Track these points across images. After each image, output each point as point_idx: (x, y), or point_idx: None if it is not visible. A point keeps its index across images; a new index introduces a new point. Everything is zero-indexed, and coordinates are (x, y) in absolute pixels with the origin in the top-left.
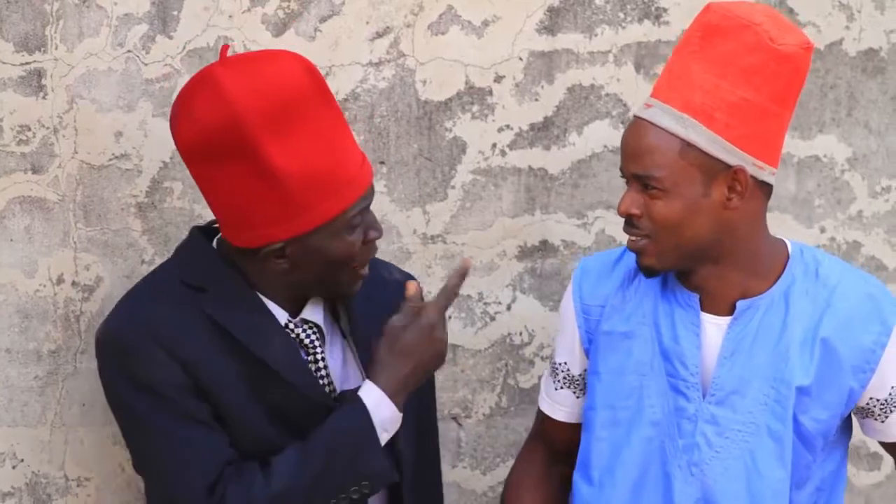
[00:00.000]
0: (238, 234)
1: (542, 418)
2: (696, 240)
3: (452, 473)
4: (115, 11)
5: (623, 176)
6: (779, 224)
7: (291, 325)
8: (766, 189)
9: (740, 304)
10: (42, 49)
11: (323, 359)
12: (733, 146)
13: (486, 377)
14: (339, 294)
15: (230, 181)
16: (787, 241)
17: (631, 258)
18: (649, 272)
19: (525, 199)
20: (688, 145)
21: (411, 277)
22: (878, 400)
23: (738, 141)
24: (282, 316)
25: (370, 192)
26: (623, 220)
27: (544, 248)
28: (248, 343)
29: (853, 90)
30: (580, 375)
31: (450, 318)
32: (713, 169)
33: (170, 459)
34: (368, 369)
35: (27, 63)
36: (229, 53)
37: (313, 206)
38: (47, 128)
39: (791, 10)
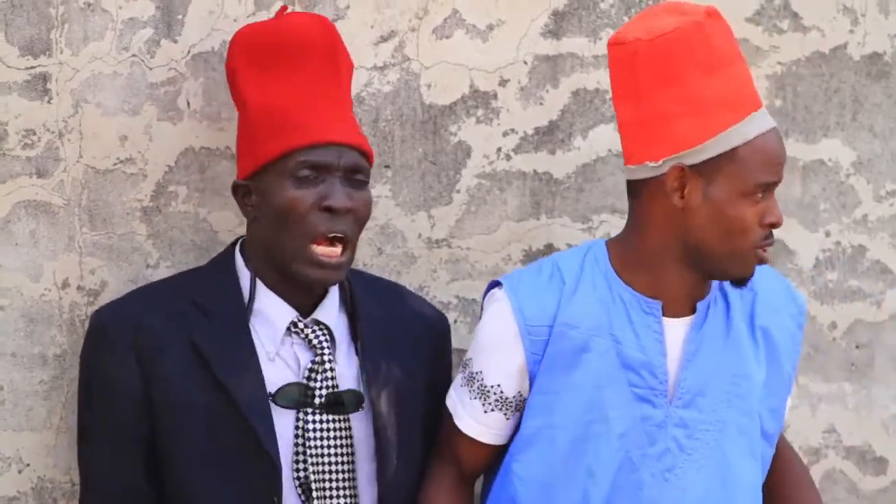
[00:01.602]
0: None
1: (460, 440)
2: None
3: None
4: (120, 15)
5: (766, 189)
6: (784, 228)
7: (301, 325)
8: None
9: (700, 305)
10: (47, 53)
11: (330, 360)
12: None
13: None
14: (297, 273)
15: (238, 117)
16: None
17: (567, 272)
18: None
19: (530, 203)
20: None
21: (444, 317)
22: None
23: None
24: (289, 315)
25: (332, 152)
26: (761, 238)
27: (549, 252)
28: (222, 377)
29: (857, 94)
30: (513, 398)
31: (455, 322)
32: None
33: (89, 472)
34: None
35: (32, 67)
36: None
37: (263, 142)
38: (52, 132)
39: (795, 14)
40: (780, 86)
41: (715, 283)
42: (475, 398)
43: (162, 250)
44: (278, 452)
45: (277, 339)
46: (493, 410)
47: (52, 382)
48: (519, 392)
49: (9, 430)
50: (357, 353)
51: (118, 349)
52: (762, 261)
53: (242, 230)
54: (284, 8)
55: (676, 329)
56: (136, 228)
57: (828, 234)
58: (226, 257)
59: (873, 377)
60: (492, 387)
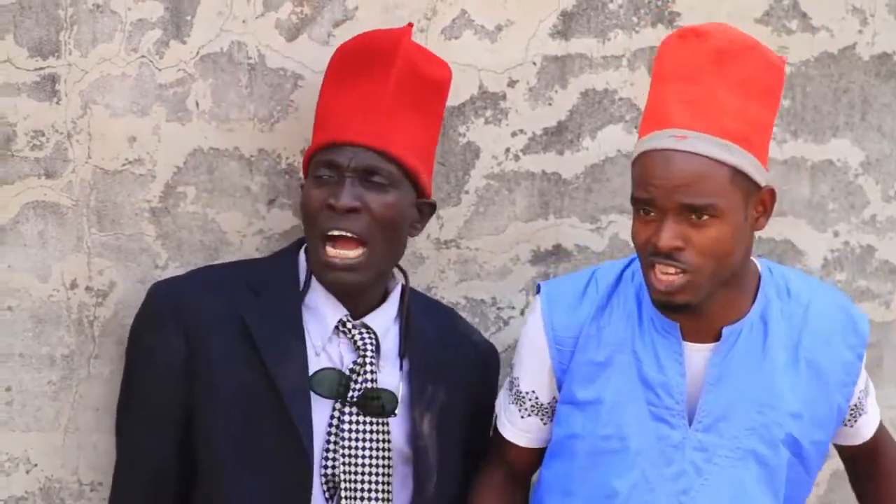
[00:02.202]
0: None
1: (503, 444)
2: (733, 266)
3: None
4: (129, 17)
5: (642, 210)
6: (793, 229)
7: (349, 326)
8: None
9: (726, 330)
10: (56, 54)
11: (372, 362)
12: (762, 167)
13: (500, 381)
14: (319, 279)
15: None
16: (755, 260)
17: (601, 283)
18: (680, 310)
19: (538, 203)
20: (736, 171)
21: (493, 347)
22: (848, 406)
23: (763, 160)
24: (339, 312)
25: (348, 153)
26: (648, 256)
27: (558, 252)
28: (267, 359)
29: (866, 94)
30: (549, 404)
31: None
32: (750, 191)
33: (123, 447)
34: None
35: (41, 68)
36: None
37: (312, 138)
38: (61, 133)
39: (804, 15)
40: (790, 86)
41: (757, 311)
42: (513, 403)
43: (170, 251)
44: (313, 446)
45: (325, 336)
46: (529, 416)
47: (61, 383)
48: (554, 398)
49: (17, 430)
50: (401, 369)
51: (166, 322)
52: (659, 283)
53: (250, 230)
54: (411, 25)
55: (701, 353)
56: (144, 229)
57: (836, 235)
58: (290, 249)
59: (882, 377)
60: (527, 393)
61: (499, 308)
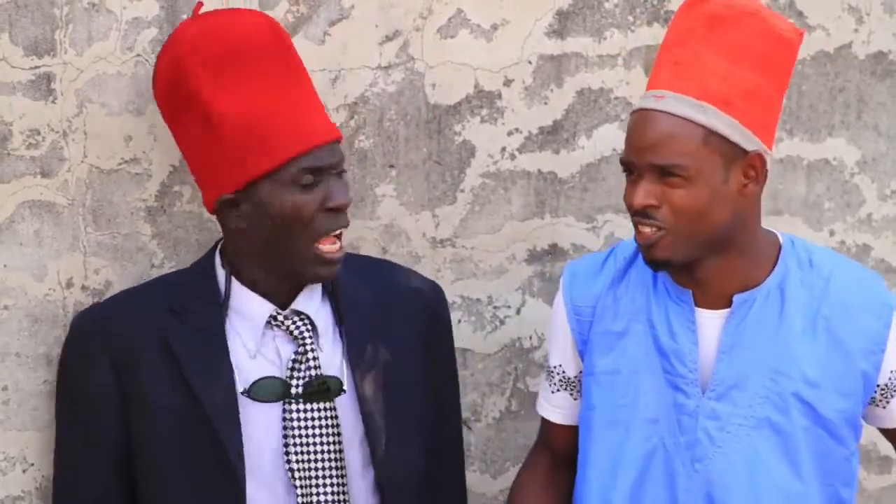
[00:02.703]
0: (204, 194)
1: (544, 424)
2: (714, 229)
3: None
4: (125, 15)
5: (627, 170)
6: (789, 227)
7: (281, 318)
8: (766, 176)
9: (737, 298)
10: (51, 53)
11: (313, 349)
12: (750, 132)
13: (496, 381)
14: (305, 274)
15: (188, 133)
16: (777, 233)
17: (620, 256)
18: (660, 265)
19: (534, 202)
20: (710, 133)
21: (435, 286)
22: (878, 385)
23: (753, 127)
24: (267, 309)
25: (327, 153)
26: (631, 214)
27: (554, 251)
28: (192, 380)
29: (862, 93)
30: (576, 377)
31: (459, 322)
32: (732, 155)
33: (62, 476)
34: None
35: (36, 67)
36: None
37: (252, 154)
38: (57, 132)
39: (800, 13)
40: None
41: (775, 280)
42: (546, 380)
43: (166, 250)
44: (243, 459)
45: (258, 335)
46: (559, 391)
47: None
48: (580, 371)
49: (13, 429)
50: (342, 338)
51: (92, 354)
52: (638, 237)
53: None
54: (200, 5)
55: (714, 320)
56: (140, 228)
57: (832, 234)
58: (206, 260)
59: None
60: (555, 367)
61: (495, 307)
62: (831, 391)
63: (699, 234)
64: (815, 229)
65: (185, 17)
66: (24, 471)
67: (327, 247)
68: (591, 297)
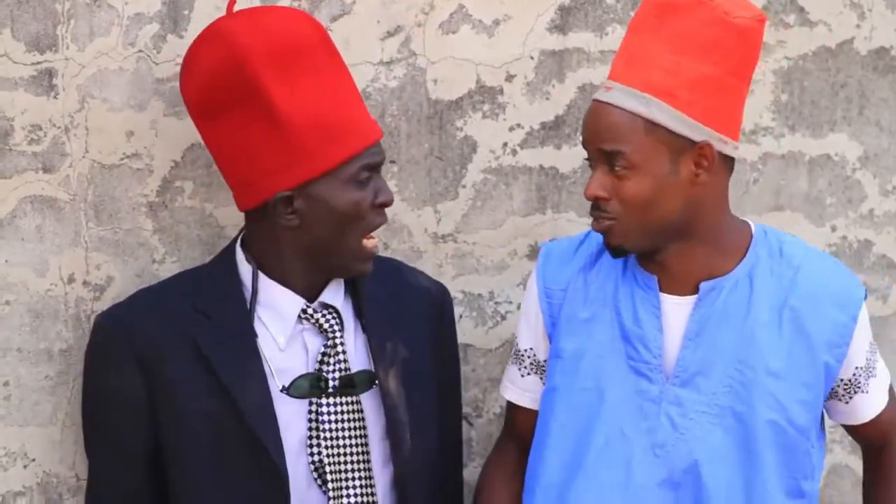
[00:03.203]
0: (249, 192)
1: (510, 409)
2: (664, 218)
3: (464, 472)
4: (126, 11)
5: (587, 159)
6: (790, 223)
7: (310, 311)
8: (729, 163)
9: (704, 285)
10: (53, 49)
11: (342, 343)
12: (697, 122)
13: (497, 376)
14: (349, 269)
15: (238, 131)
16: (750, 223)
17: (594, 241)
18: (617, 252)
19: (536, 198)
20: (653, 125)
21: (442, 287)
22: (842, 380)
23: (701, 116)
24: (297, 303)
25: (378, 150)
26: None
27: None
28: (226, 382)
29: (864, 89)
30: (545, 361)
31: (461, 317)
32: (679, 146)
33: (93, 472)
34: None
35: (38, 63)
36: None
37: (317, 152)
38: (58, 127)
39: (802, 9)
40: (787, 80)
41: (744, 269)
42: (513, 363)
43: (168, 245)
44: (286, 464)
45: (288, 329)
46: (528, 374)
47: (58, 378)
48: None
49: (14, 425)
50: (363, 331)
51: (120, 358)
52: (593, 225)
53: None
54: (233, 2)
55: (680, 307)
56: (142, 223)
57: (834, 229)
58: (227, 255)
59: None
60: (525, 350)
61: (496, 302)
62: (795, 382)
63: (649, 224)
64: (816, 225)
65: (186, 12)
66: (25, 466)
67: (371, 242)
68: (562, 281)
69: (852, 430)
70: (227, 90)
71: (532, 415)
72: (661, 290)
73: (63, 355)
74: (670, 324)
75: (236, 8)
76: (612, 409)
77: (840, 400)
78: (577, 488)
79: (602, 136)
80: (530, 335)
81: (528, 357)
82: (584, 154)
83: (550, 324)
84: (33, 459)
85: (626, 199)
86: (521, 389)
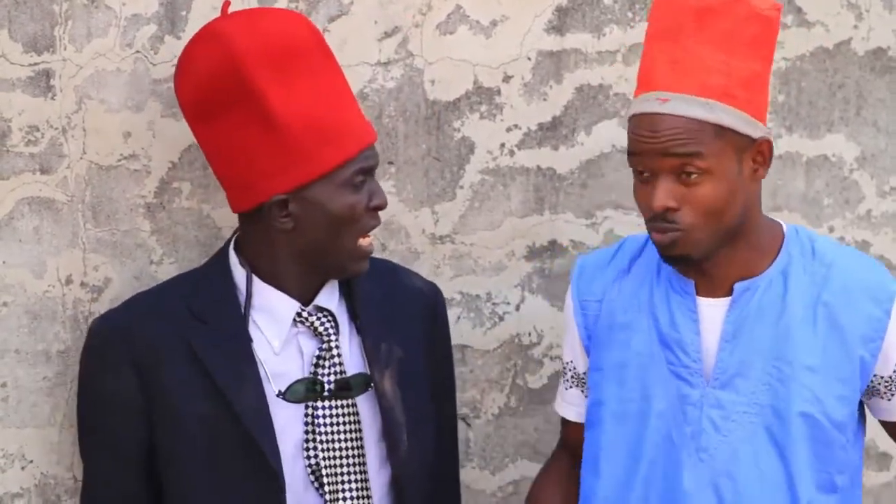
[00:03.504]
0: (244, 194)
1: (561, 422)
2: (732, 221)
3: (462, 474)
4: (124, 12)
5: (642, 172)
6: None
7: (305, 315)
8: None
9: (738, 286)
10: (50, 49)
11: (337, 346)
12: (754, 119)
13: (495, 377)
14: (345, 270)
15: (233, 133)
16: (781, 222)
17: (628, 250)
18: (679, 262)
19: (534, 198)
20: (721, 128)
21: (435, 287)
22: (882, 377)
23: (757, 112)
24: (292, 307)
25: (373, 154)
26: (646, 218)
27: (553, 248)
28: (222, 386)
29: (862, 89)
30: (585, 374)
31: (458, 318)
32: (742, 145)
33: (88, 475)
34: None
35: (35, 63)
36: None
37: (314, 155)
38: (56, 128)
39: (799, 10)
40: (785, 81)
41: (778, 268)
42: (562, 377)
43: (166, 247)
44: (283, 467)
45: (283, 333)
46: (571, 387)
47: (56, 379)
48: (588, 369)
49: (12, 426)
50: (358, 333)
51: (117, 362)
52: (656, 240)
53: None
54: (227, 3)
55: (716, 309)
56: (139, 225)
57: (831, 230)
58: (221, 258)
59: None
60: (567, 363)
61: (494, 303)
62: (831, 378)
63: (720, 228)
64: (814, 225)
65: (183, 13)
66: (22, 468)
67: (366, 241)
68: (597, 292)
69: (888, 426)
70: (223, 92)
71: (579, 428)
72: (697, 293)
73: (61, 356)
74: (706, 326)
75: (232, 9)
76: (660, 417)
77: (882, 397)
78: (634, 499)
79: (673, 145)
80: (570, 349)
81: (570, 370)
82: (582, 155)
83: (586, 337)
84: (31, 461)
85: (701, 206)
86: (567, 403)
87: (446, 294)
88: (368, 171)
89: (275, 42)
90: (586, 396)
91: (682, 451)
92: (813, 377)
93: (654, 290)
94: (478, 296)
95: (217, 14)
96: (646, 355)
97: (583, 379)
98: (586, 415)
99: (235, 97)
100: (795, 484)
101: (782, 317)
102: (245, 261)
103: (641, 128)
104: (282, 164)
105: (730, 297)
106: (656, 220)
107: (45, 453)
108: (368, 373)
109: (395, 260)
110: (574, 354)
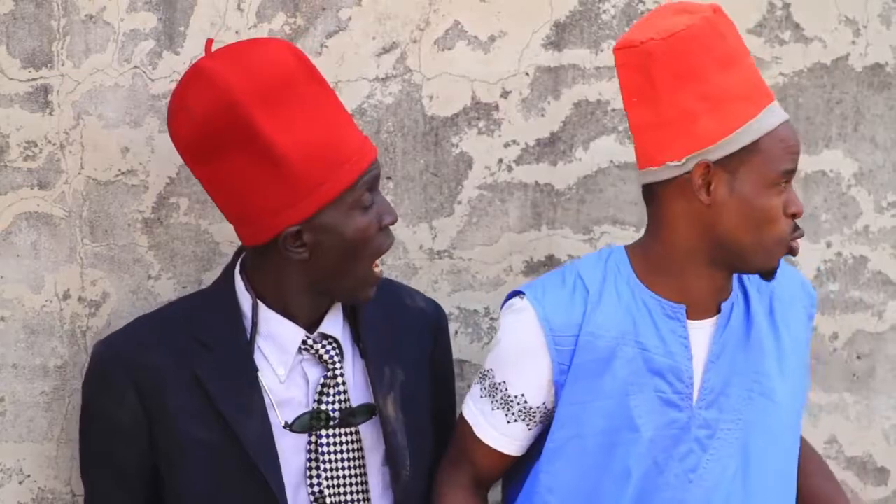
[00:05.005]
0: (254, 230)
1: (477, 448)
2: None
3: None
4: (122, 27)
5: (787, 177)
6: None
7: (310, 342)
8: None
9: (725, 306)
10: (49, 65)
11: (342, 374)
12: None
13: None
14: (355, 296)
15: (236, 172)
16: None
17: (589, 278)
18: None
19: (531, 214)
20: None
21: (437, 306)
22: None
23: None
24: (298, 335)
25: (376, 168)
26: (790, 227)
27: (551, 263)
28: (227, 415)
29: (859, 105)
30: (537, 408)
31: (456, 333)
32: None
33: (89, 498)
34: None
35: (34, 79)
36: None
37: (319, 183)
38: (54, 144)
39: (797, 25)
40: (782, 97)
41: (735, 282)
42: (498, 409)
43: (163, 262)
44: (286, 496)
45: (289, 361)
46: (516, 421)
47: (54, 394)
48: (543, 402)
49: (10, 441)
50: (361, 356)
51: (120, 388)
52: (792, 251)
53: None
54: (211, 41)
55: (701, 331)
56: (137, 240)
57: (829, 245)
58: (227, 282)
59: (874, 388)
60: (516, 397)
61: (492, 318)
62: (798, 378)
63: None
64: (812, 241)
65: (181, 29)
66: (20, 482)
67: (377, 269)
68: (573, 326)
69: None
70: (220, 133)
71: (507, 459)
72: (687, 316)
73: (58, 371)
74: (695, 349)
75: (231, 15)
76: (648, 444)
77: None
78: None
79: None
80: (525, 383)
81: (518, 404)
82: (580, 171)
83: (560, 371)
84: (29, 475)
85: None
86: (506, 436)
87: (444, 309)
88: (374, 185)
89: (264, 76)
90: (529, 430)
91: (669, 475)
92: (785, 384)
93: (634, 317)
94: (476, 311)
95: (215, 28)
96: (631, 384)
97: (532, 413)
98: (558, 447)
99: (233, 137)
100: (789, 477)
101: (752, 331)
102: (251, 286)
103: (792, 134)
104: (289, 196)
105: (713, 318)
106: (797, 227)
107: (42, 468)
108: (372, 401)
109: (394, 275)
110: (530, 388)
